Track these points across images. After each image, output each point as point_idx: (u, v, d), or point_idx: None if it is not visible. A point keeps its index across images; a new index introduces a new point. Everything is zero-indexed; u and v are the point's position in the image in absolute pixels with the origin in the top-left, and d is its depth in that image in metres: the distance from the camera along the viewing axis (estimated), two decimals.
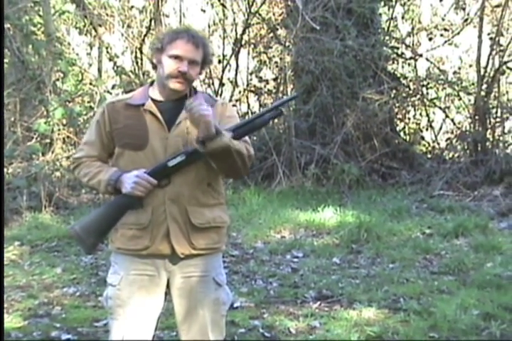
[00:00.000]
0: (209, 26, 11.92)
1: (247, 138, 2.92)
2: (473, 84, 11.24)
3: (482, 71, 10.48)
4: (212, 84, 11.66)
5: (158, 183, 2.78)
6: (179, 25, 11.24)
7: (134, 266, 2.89)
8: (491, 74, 10.48)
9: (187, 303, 2.93)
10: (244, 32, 11.19)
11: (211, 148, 2.70)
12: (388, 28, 11.65)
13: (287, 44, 11.01)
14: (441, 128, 11.77)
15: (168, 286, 2.95)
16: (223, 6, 11.59)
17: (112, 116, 2.90)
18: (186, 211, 2.84)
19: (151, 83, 3.02)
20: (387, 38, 11.67)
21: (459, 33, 11.49)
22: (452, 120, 11.34)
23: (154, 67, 2.97)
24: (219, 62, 11.49)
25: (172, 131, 2.85)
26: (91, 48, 12.50)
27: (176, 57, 2.83)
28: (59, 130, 9.48)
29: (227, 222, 3.02)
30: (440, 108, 11.46)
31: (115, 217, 2.80)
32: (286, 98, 3.21)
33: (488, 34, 10.64)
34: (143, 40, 11.29)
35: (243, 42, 11.34)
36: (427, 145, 11.70)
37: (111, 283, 2.94)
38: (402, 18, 11.90)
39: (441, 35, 11.58)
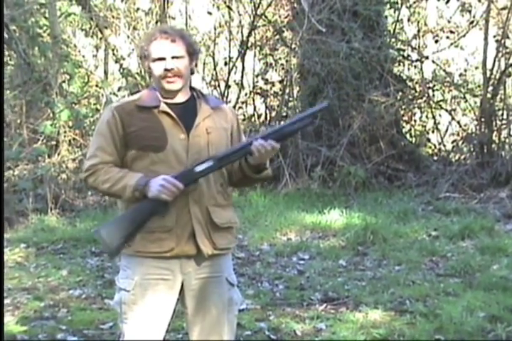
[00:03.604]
0: (215, 28, 11.91)
1: None
2: (479, 86, 11.21)
3: (488, 73, 10.45)
4: (218, 86, 11.66)
5: (184, 188, 2.76)
6: (185, 27, 11.27)
7: (149, 270, 2.86)
8: (497, 77, 10.45)
9: (200, 304, 2.93)
10: (250, 34, 11.19)
11: (258, 176, 2.95)
12: (394, 30, 11.62)
13: (293, 46, 11.01)
14: (447, 131, 11.73)
15: (180, 289, 2.94)
16: (229, 8, 11.59)
17: (124, 120, 2.87)
18: (208, 211, 2.86)
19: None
20: (393, 40, 11.65)
21: (464, 36, 11.46)
22: (458, 122, 11.31)
23: (149, 75, 3.02)
24: (225, 64, 11.51)
25: (191, 132, 2.87)
26: (97, 50, 12.51)
27: (158, 59, 2.86)
28: (65, 132, 9.48)
29: (238, 222, 3.06)
30: (446, 110, 11.43)
31: (140, 222, 2.76)
32: (316, 108, 3.05)
33: (494, 36, 10.62)
34: None
35: (249, 44, 11.32)
36: (433, 147, 11.66)
37: (124, 288, 2.90)
38: (408, 20, 11.88)
39: (447, 37, 11.55)
